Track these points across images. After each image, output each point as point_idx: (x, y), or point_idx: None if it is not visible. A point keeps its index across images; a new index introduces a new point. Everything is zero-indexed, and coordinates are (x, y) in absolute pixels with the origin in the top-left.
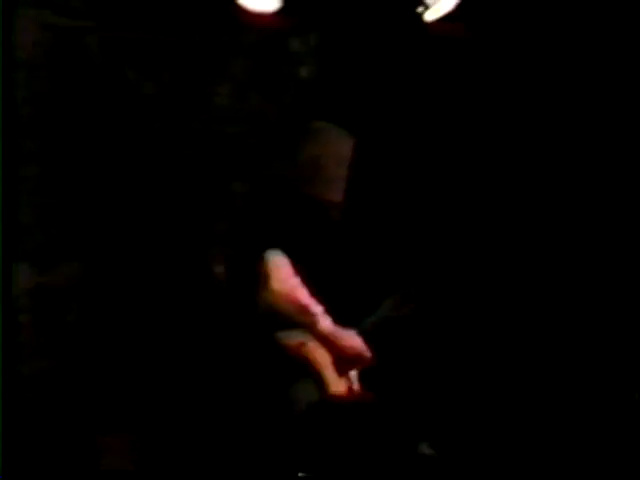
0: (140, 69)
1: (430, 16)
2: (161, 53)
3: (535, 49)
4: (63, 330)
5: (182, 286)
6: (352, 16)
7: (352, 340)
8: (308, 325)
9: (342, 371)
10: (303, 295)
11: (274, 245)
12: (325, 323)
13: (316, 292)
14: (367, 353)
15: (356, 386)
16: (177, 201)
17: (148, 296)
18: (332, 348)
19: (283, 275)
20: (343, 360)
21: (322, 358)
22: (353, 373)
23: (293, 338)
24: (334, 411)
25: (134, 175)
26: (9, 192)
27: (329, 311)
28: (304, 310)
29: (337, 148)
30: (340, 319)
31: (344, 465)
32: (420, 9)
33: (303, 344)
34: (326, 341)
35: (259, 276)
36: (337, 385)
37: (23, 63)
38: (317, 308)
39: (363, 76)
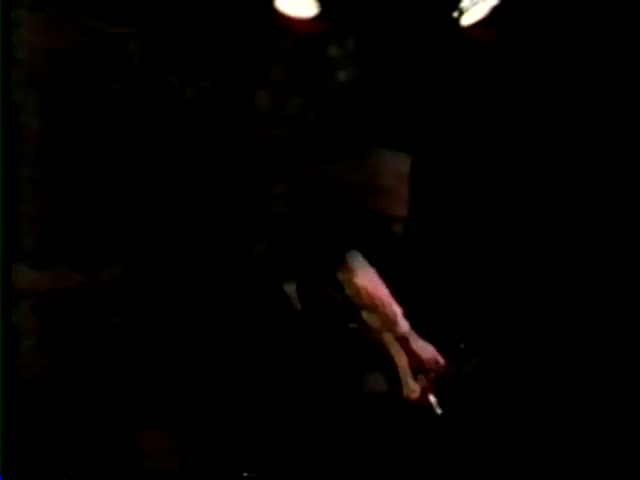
0: (181, 74)
1: (466, 21)
2: (202, 59)
3: (570, 55)
4: (104, 331)
5: (221, 285)
6: (389, 20)
7: (427, 345)
8: (388, 323)
9: (415, 374)
10: (387, 293)
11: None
12: (404, 324)
13: None
14: (441, 360)
15: (432, 397)
16: (218, 204)
17: (188, 295)
18: (407, 350)
19: (368, 273)
20: (416, 364)
21: (400, 356)
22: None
23: (377, 323)
24: (400, 407)
25: (176, 178)
26: (48, 195)
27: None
28: (387, 307)
29: (395, 165)
30: None
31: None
32: (455, 14)
33: (384, 331)
34: (403, 342)
35: (337, 276)
36: (410, 385)
37: (65, 69)
38: (399, 309)
39: (401, 82)
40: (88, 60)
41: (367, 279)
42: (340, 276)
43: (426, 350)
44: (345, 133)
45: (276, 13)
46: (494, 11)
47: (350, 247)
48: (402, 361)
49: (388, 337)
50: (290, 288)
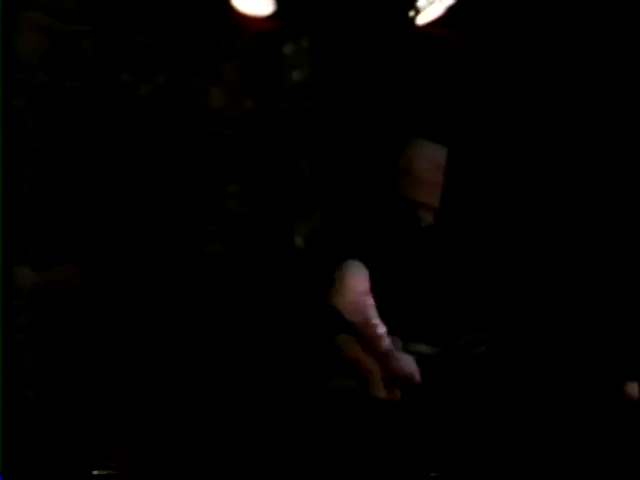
0: (135, 72)
1: (421, 20)
2: (156, 56)
3: (528, 51)
4: (62, 330)
5: (176, 286)
6: (345, 20)
7: (405, 363)
8: (369, 342)
9: (388, 387)
10: (373, 313)
11: (358, 247)
12: (385, 344)
13: (384, 302)
14: (417, 377)
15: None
16: (172, 203)
17: (144, 296)
18: (385, 366)
19: (360, 288)
20: (392, 378)
21: (376, 373)
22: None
23: (354, 346)
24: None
25: (129, 177)
26: (9, 194)
27: (392, 328)
28: (370, 328)
29: (431, 155)
30: (403, 332)
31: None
32: (411, 13)
33: (360, 353)
34: (382, 359)
35: (334, 280)
36: (381, 394)
37: (20, 66)
38: (382, 329)
39: (356, 81)
40: (41, 57)
41: (358, 295)
42: (336, 280)
43: (403, 368)
44: (299, 132)
45: (232, 11)
46: (450, 10)
47: (369, 237)
48: (376, 374)
49: (365, 356)
50: (299, 241)
